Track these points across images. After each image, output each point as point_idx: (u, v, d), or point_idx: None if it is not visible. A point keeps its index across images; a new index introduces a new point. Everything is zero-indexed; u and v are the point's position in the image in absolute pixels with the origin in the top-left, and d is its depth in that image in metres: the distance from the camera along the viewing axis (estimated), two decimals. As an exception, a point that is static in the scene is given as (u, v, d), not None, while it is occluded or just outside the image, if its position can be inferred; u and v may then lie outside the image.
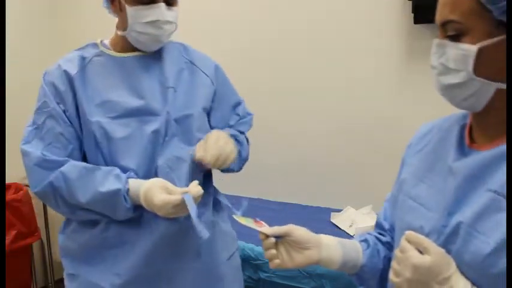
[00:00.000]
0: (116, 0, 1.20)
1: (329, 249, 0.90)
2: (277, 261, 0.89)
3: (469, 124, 0.80)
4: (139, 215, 1.18)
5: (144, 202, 1.11)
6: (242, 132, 1.39)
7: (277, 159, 2.38)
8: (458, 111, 0.83)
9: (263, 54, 2.34)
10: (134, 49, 1.25)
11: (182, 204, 1.06)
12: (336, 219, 2.02)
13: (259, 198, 2.40)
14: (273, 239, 0.90)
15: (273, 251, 0.89)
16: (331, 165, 2.24)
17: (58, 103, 1.17)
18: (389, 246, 0.95)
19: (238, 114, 1.39)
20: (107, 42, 1.28)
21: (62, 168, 1.14)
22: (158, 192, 1.08)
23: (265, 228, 0.92)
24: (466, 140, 0.79)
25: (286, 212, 2.17)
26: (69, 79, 1.18)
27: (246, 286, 1.70)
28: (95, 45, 1.27)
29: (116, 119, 1.17)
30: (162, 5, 1.17)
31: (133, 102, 1.20)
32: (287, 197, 2.34)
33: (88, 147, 1.19)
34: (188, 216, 1.08)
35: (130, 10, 1.16)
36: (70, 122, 1.18)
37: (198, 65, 1.33)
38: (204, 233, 1.08)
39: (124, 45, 1.24)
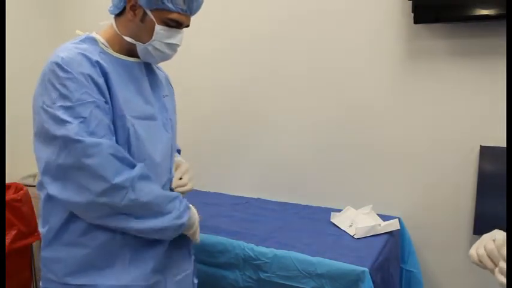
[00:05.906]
0: (139, 10, 1.17)
1: None
2: None
3: None
4: None
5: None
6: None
7: (277, 159, 2.38)
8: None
9: (262, 54, 2.34)
10: (130, 53, 1.23)
11: None
12: (336, 219, 2.02)
13: (259, 198, 2.40)
14: None
15: None
16: (331, 165, 2.24)
17: (99, 94, 1.10)
18: None
19: None
20: (101, 39, 1.21)
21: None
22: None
23: None
24: None
25: (286, 212, 2.16)
26: (104, 72, 1.12)
27: (246, 286, 1.70)
28: (93, 40, 1.20)
29: (137, 119, 1.17)
30: (183, 31, 1.24)
31: (146, 106, 1.22)
32: (287, 197, 2.34)
33: (117, 142, 1.14)
34: None
35: (157, 28, 1.17)
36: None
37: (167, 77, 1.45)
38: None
39: (123, 47, 1.22)
